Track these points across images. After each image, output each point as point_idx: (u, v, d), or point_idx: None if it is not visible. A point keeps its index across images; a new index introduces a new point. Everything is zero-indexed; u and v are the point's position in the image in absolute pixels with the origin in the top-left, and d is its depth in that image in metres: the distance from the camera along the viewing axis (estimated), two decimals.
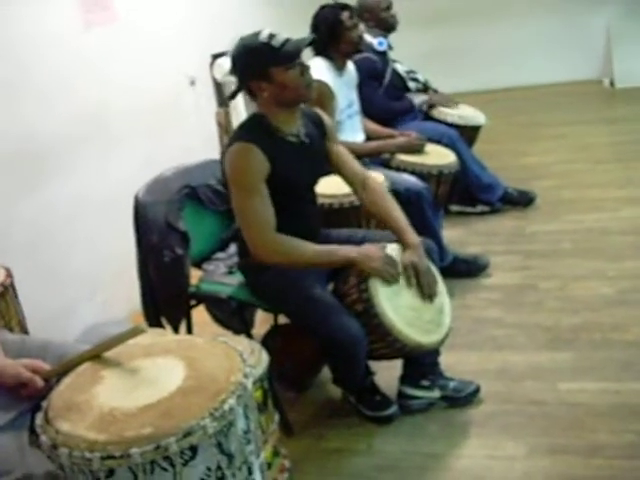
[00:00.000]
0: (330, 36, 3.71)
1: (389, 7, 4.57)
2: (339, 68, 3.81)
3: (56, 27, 3.62)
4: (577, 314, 3.30)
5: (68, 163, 3.65)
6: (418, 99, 4.62)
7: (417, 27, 7.91)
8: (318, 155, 2.76)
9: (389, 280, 2.52)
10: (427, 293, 2.61)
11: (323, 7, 3.83)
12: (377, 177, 3.40)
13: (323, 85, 3.57)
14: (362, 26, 3.94)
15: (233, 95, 2.77)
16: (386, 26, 4.55)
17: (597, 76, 7.75)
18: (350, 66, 3.94)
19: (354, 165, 2.87)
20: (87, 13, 3.85)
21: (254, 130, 2.60)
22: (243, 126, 2.68)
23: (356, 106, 3.95)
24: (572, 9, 7.75)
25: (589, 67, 7.82)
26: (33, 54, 3.46)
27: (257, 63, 2.51)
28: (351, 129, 3.87)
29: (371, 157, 3.90)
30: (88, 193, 3.75)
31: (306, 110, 2.74)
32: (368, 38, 4.29)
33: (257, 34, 2.53)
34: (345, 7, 3.81)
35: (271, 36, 2.51)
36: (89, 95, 3.82)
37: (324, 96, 3.55)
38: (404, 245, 2.68)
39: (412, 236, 2.70)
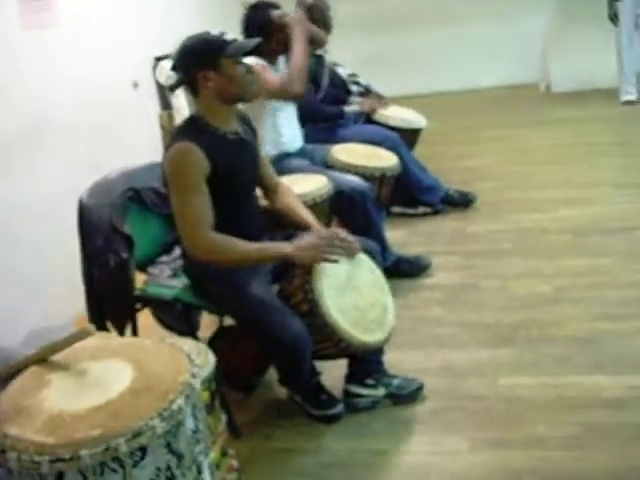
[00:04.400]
0: (260, 36, 3.66)
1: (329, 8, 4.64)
2: (271, 62, 3.81)
3: None
4: (517, 312, 3.38)
5: (9, 164, 3.60)
6: (350, 108, 4.66)
7: (359, 32, 8.03)
8: (255, 152, 2.83)
9: (334, 259, 2.56)
10: (348, 251, 2.65)
11: (253, 7, 3.83)
12: (319, 180, 3.46)
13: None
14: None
15: (174, 87, 2.80)
16: (329, 27, 4.60)
17: (534, 80, 7.92)
18: (281, 60, 3.94)
19: (269, 169, 2.97)
20: (25, 15, 3.81)
21: (192, 130, 2.62)
22: (181, 127, 2.71)
23: None
24: (509, 14, 7.94)
25: (526, 71, 7.99)
26: None
27: (208, 51, 2.57)
28: (286, 120, 3.89)
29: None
30: (30, 196, 3.70)
31: (237, 111, 2.79)
32: None
33: (207, 32, 2.62)
34: (274, 6, 3.82)
35: (222, 33, 2.61)
36: (28, 98, 3.77)
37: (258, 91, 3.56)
38: (310, 229, 2.78)
39: (317, 224, 2.83)
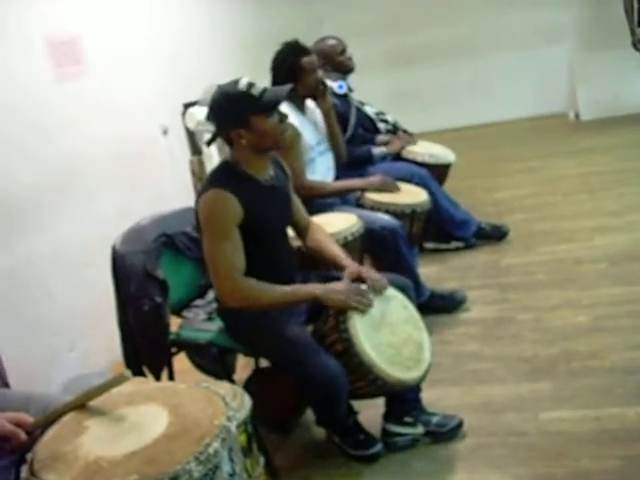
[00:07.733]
0: (288, 79, 3.56)
1: (344, 51, 4.67)
2: (300, 108, 3.84)
3: (27, 80, 3.67)
4: (554, 344, 3.34)
5: (44, 216, 3.66)
6: (377, 151, 4.67)
7: (384, 69, 8.11)
8: (288, 197, 2.86)
9: (361, 309, 2.55)
10: (375, 288, 2.65)
11: (282, 50, 3.81)
12: (349, 219, 3.45)
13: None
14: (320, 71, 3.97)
15: (210, 142, 2.83)
16: (344, 69, 4.64)
17: (562, 109, 7.91)
18: (311, 104, 3.96)
19: (301, 210, 2.98)
20: (58, 67, 3.91)
21: (226, 176, 2.64)
22: (215, 173, 2.73)
23: (326, 143, 3.99)
24: (533, 45, 7.96)
25: (554, 101, 7.98)
26: (3, 107, 3.50)
27: (237, 111, 2.57)
28: (324, 166, 3.91)
29: (340, 195, 3.91)
30: (64, 245, 3.76)
31: (271, 156, 2.80)
32: (328, 82, 4.21)
33: (236, 82, 2.59)
34: (305, 51, 3.82)
35: (250, 85, 2.57)
36: (62, 147, 3.86)
37: (291, 137, 3.58)
38: (341, 267, 2.77)
39: (348, 259, 2.81)
